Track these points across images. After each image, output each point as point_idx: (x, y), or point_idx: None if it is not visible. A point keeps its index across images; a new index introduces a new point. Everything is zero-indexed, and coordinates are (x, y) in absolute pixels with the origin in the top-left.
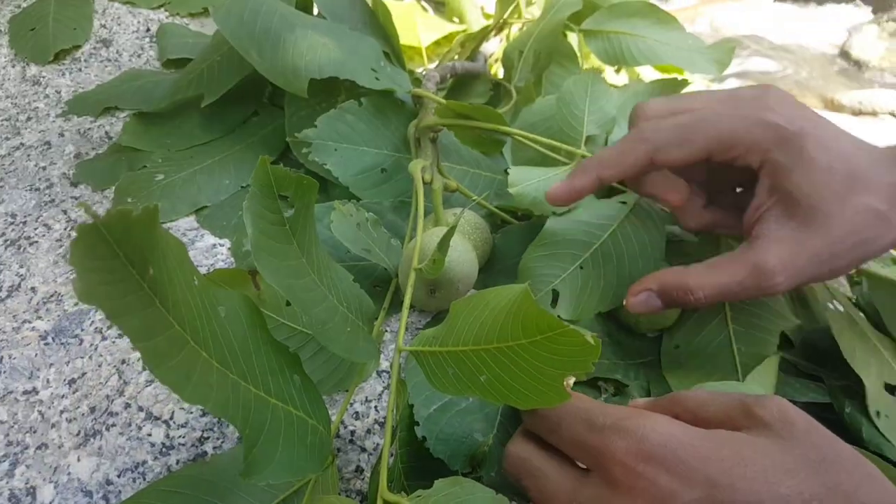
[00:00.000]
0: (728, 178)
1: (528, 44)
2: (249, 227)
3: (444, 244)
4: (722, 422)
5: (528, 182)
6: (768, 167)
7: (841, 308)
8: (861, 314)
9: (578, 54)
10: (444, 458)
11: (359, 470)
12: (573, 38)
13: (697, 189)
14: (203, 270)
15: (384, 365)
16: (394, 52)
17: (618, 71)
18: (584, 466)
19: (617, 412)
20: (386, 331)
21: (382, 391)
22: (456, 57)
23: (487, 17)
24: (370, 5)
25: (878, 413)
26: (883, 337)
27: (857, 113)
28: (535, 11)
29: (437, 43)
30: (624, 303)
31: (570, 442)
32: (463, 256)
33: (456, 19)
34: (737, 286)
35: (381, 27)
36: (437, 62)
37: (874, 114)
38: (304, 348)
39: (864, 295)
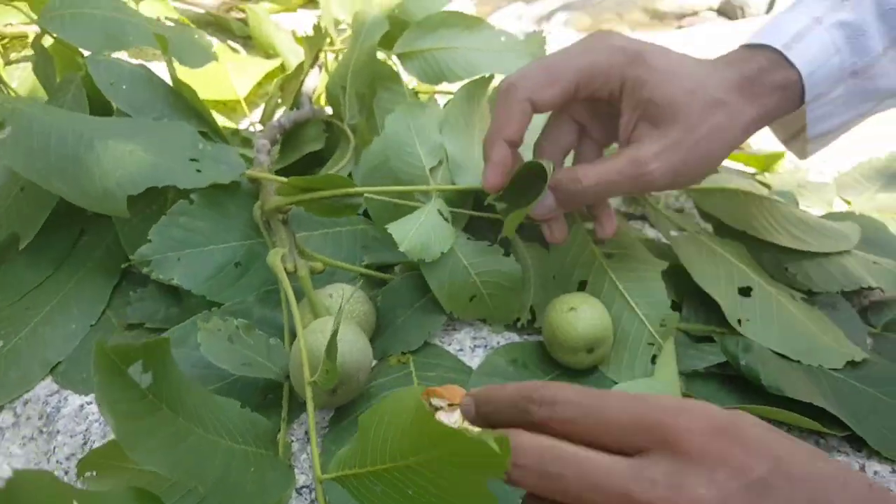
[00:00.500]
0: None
1: (348, 78)
2: (109, 418)
3: (331, 350)
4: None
5: (410, 233)
6: (627, 85)
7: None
8: (709, 228)
9: (401, 72)
10: None
11: None
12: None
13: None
14: (76, 440)
15: (301, 479)
16: (210, 127)
17: None
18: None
19: (658, 395)
20: (292, 440)
21: None
22: (279, 101)
23: (300, 41)
24: (172, 84)
25: (738, 321)
26: (729, 242)
27: (681, 17)
28: (346, 29)
29: (257, 85)
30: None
31: (623, 424)
32: (354, 346)
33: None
34: (617, 174)
35: (189, 105)
36: (261, 106)
37: (695, 13)
38: None
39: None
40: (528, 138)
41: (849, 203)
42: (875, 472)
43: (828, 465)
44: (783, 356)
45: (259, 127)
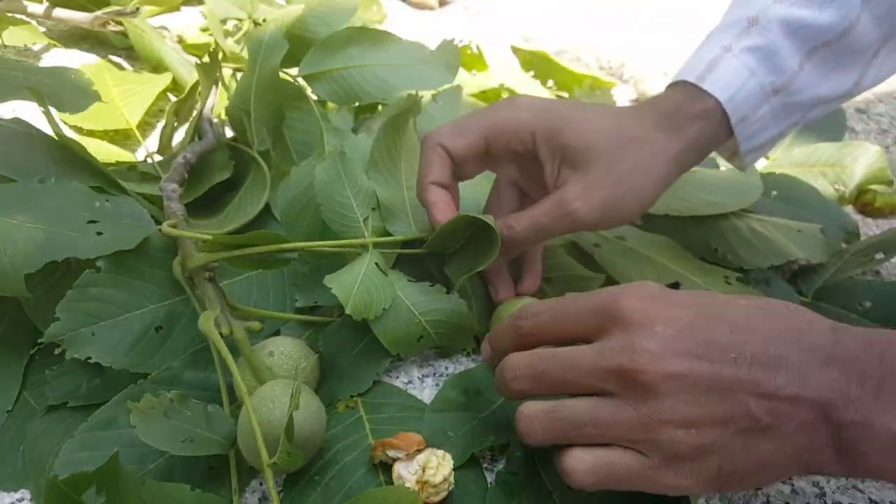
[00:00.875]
0: (537, 183)
1: (251, 102)
2: None
3: (290, 431)
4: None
5: (353, 291)
6: (539, 135)
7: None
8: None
9: (308, 91)
10: None
11: None
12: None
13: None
14: None
15: None
16: (105, 179)
17: None
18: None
19: (607, 287)
20: None
21: None
22: (175, 125)
23: (188, 48)
24: (55, 137)
25: None
26: (655, 236)
27: None
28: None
29: (148, 113)
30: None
31: (583, 313)
32: (309, 412)
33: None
34: (545, 217)
35: (76, 157)
36: (156, 128)
37: None
38: None
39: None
40: None
41: (769, 159)
42: None
43: (748, 300)
44: None
45: (157, 157)
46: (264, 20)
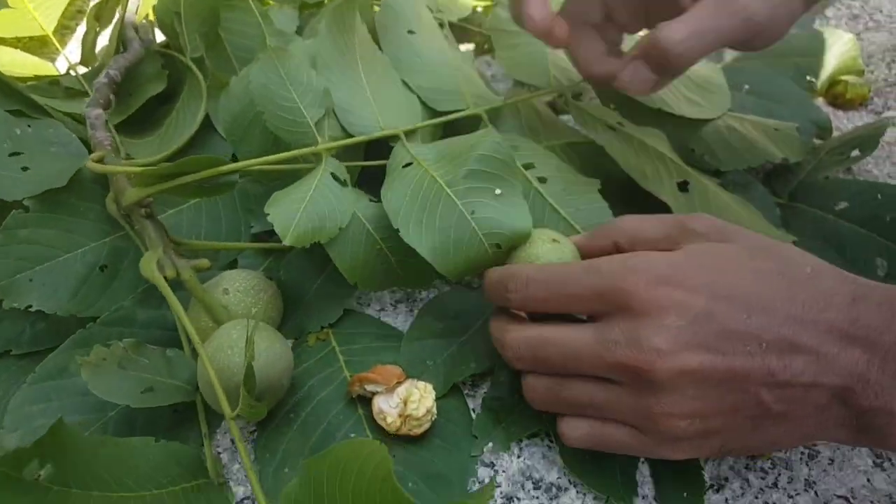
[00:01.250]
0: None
1: (180, 2)
2: None
3: (249, 381)
4: (659, 241)
5: (296, 218)
6: None
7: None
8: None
9: None
10: None
11: None
12: None
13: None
14: None
15: (239, 492)
16: (25, 100)
17: None
18: (588, 316)
19: (610, 259)
20: (219, 451)
21: None
22: (97, 31)
23: None
24: None
25: None
26: (649, 129)
27: None
28: None
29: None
30: (616, 84)
31: (583, 296)
32: (272, 354)
33: None
34: (709, 18)
35: None
36: (76, 33)
37: None
38: None
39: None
40: None
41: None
42: None
43: (768, 260)
44: None
45: (81, 69)
46: None
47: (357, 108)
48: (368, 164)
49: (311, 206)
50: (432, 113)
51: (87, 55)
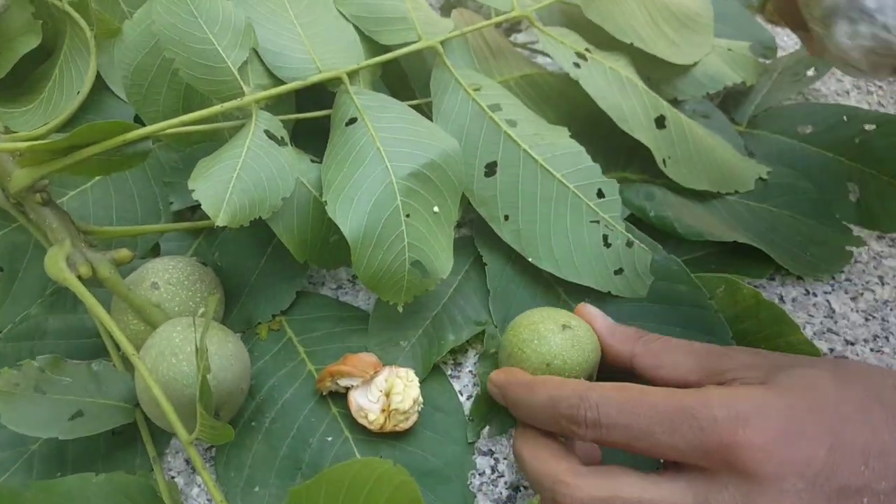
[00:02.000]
0: None
1: None
2: None
3: (206, 396)
4: (693, 373)
5: (225, 187)
6: None
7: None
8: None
9: None
10: None
11: None
12: None
13: None
14: None
15: None
16: None
17: None
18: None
19: (706, 401)
20: (173, 476)
21: None
22: None
23: None
24: None
25: (664, 161)
26: (617, 55)
27: None
28: None
29: None
30: None
31: (677, 447)
32: (225, 353)
33: None
34: None
35: None
36: None
37: None
38: None
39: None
40: None
41: None
42: (793, 299)
43: (855, 390)
44: (680, 192)
45: None
46: None
47: (287, 48)
48: (306, 115)
49: (244, 175)
50: (376, 48)
51: None
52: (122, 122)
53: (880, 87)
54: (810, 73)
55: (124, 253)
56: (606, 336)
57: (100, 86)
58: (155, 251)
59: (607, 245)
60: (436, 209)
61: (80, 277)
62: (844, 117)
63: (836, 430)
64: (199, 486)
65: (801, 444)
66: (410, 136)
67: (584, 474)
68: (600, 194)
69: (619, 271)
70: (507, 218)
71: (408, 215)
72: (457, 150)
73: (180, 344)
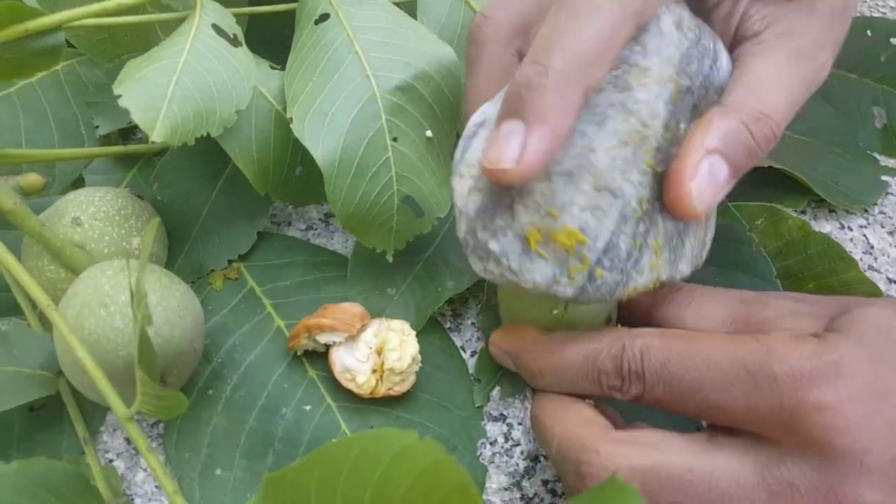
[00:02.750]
0: None
1: None
2: None
3: (146, 358)
4: (726, 323)
5: (163, 92)
6: None
7: None
8: None
9: None
10: None
11: None
12: None
13: None
14: None
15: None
16: None
17: None
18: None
19: (765, 347)
20: (112, 460)
21: None
22: None
23: None
24: None
25: None
26: None
27: None
28: None
29: None
30: (681, 191)
31: (746, 418)
32: (170, 306)
33: None
34: (796, 79)
35: None
36: None
37: None
38: None
39: None
40: None
41: None
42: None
43: None
44: None
45: None
46: None
47: None
48: (262, 9)
49: (186, 79)
50: None
51: None
52: (18, 4)
53: None
54: None
55: (33, 178)
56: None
57: None
58: (77, 186)
59: None
60: (429, 133)
61: None
62: (868, 32)
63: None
64: (145, 469)
65: (881, 402)
66: (397, 40)
67: (619, 440)
68: None
69: None
70: None
71: (395, 139)
72: (453, 59)
73: (111, 293)
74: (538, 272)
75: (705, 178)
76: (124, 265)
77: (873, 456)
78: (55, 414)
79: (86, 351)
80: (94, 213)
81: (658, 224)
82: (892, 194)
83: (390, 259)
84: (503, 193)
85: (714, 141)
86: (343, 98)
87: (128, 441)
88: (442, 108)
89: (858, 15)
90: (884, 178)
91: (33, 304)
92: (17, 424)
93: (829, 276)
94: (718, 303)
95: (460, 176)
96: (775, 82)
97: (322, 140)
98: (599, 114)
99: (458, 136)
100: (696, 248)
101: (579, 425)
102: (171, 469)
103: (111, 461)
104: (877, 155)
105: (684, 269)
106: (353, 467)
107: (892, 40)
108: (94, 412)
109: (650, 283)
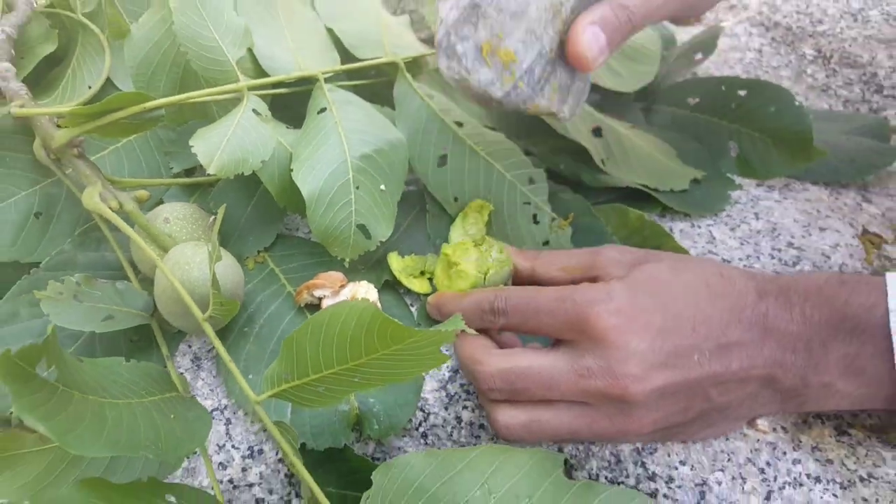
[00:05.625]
0: None
1: None
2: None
3: (217, 283)
4: (576, 270)
5: (220, 149)
6: None
7: None
8: None
9: None
10: (331, 445)
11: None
12: None
13: None
14: None
15: (207, 405)
16: None
17: None
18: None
19: (575, 289)
20: (181, 372)
21: (225, 429)
22: None
23: None
24: None
25: (603, 161)
26: None
27: None
28: None
29: None
30: (577, 43)
31: (554, 324)
32: (227, 267)
33: None
34: None
35: None
36: None
37: None
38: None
39: None
40: None
41: None
42: (681, 230)
43: (690, 272)
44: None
45: None
46: None
47: (277, 52)
48: (280, 91)
49: (234, 139)
50: (353, 60)
51: None
52: (142, 93)
53: (766, 72)
54: (697, 56)
55: (143, 193)
56: (515, 256)
57: (106, 82)
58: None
59: (536, 222)
60: (382, 187)
61: (112, 209)
62: (722, 87)
63: (669, 305)
64: (203, 379)
65: (640, 316)
66: (367, 127)
67: (495, 354)
68: (531, 181)
69: (546, 242)
70: (455, 199)
71: (357, 187)
72: (402, 142)
73: (191, 256)
74: (483, 74)
75: (591, 38)
76: (197, 244)
77: (634, 345)
78: (146, 345)
79: (181, 286)
80: (177, 215)
81: (557, 73)
82: (739, 203)
83: (346, 265)
84: (472, 13)
85: (594, 17)
86: (326, 159)
87: (192, 360)
88: (393, 172)
89: (719, 75)
90: (729, 192)
91: (136, 274)
92: (123, 349)
93: (658, 248)
94: (572, 258)
95: (449, 4)
96: None
97: (308, 183)
98: None
99: None
100: (573, 100)
101: (474, 347)
102: (220, 376)
103: (181, 373)
104: (735, 176)
105: (566, 110)
106: (329, 321)
107: (739, 92)
108: (171, 342)
109: (546, 107)
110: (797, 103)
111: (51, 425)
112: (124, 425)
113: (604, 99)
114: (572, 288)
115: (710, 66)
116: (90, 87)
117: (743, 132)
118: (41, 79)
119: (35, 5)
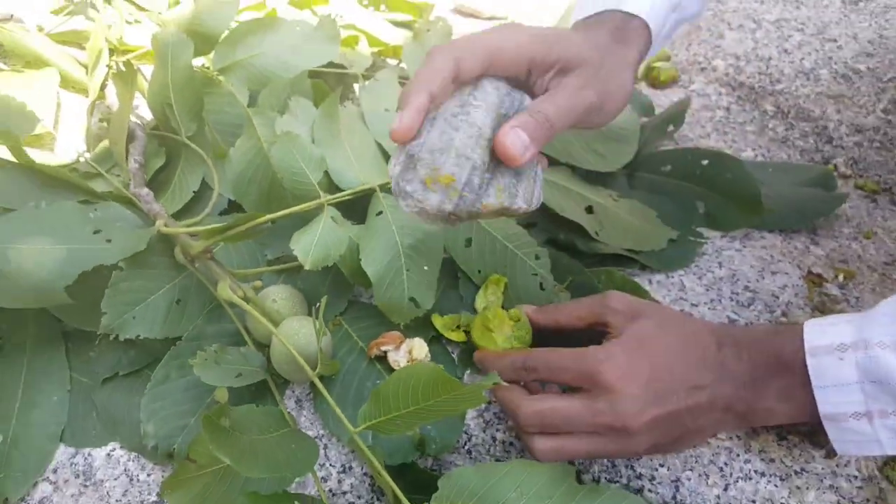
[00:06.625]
0: None
1: (171, 96)
2: (231, 460)
3: (322, 352)
4: (587, 318)
5: (312, 249)
6: (536, 57)
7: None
8: None
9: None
10: (402, 461)
11: None
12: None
13: None
14: (122, 480)
15: (310, 433)
16: (83, 190)
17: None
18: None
19: (586, 352)
20: (290, 411)
21: (323, 452)
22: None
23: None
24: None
25: (596, 232)
26: (562, 168)
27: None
28: (124, 30)
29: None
30: (503, 144)
31: (574, 378)
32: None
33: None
34: (566, 100)
35: (47, 176)
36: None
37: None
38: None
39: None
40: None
41: None
42: (658, 282)
43: (672, 333)
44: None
45: (87, 154)
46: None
47: (342, 166)
48: (345, 196)
49: (320, 242)
50: None
51: (91, 144)
52: (256, 213)
53: (733, 128)
54: (670, 128)
55: (258, 283)
56: (533, 316)
57: (203, 186)
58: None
59: (542, 289)
60: (426, 267)
61: (240, 297)
62: (689, 157)
63: (655, 359)
64: (305, 416)
65: (634, 369)
66: (412, 223)
67: (530, 399)
68: (537, 257)
69: None
70: (479, 271)
71: (408, 270)
72: (438, 232)
73: (297, 327)
74: (432, 199)
75: (514, 137)
76: (301, 319)
77: (630, 391)
78: (260, 394)
79: (294, 350)
80: (282, 297)
81: (498, 177)
82: (706, 254)
83: (402, 327)
84: (410, 161)
85: (515, 122)
86: (384, 249)
87: (296, 403)
88: (432, 255)
89: (687, 145)
90: (697, 249)
91: (253, 341)
92: (245, 398)
93: None
94: (582, 306)
95: (393, 162)
96: (548, 100)
97: (372, 267)
98: (456, 125)
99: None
100: (526, 194)
101: (512, 395)
102: (319, 415)
103: (290, 412)
104: (704, 228)
105: (521, 203)
106: (405, 378)
107: (702, 161)
108: (282, 390)
109: (497, 205)
110: (747, 171)
111: (232, 458)
112: (276, 455)
113: (595, 172)
114: (584, 351)
115: (685, 127)
116: (194, 192)
117: (707, 194)
118: (152, 182)
119: (147, 129)
